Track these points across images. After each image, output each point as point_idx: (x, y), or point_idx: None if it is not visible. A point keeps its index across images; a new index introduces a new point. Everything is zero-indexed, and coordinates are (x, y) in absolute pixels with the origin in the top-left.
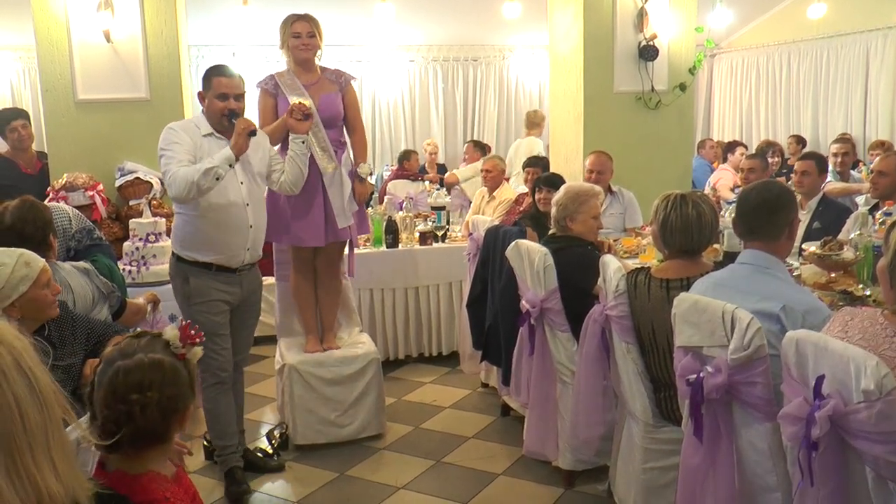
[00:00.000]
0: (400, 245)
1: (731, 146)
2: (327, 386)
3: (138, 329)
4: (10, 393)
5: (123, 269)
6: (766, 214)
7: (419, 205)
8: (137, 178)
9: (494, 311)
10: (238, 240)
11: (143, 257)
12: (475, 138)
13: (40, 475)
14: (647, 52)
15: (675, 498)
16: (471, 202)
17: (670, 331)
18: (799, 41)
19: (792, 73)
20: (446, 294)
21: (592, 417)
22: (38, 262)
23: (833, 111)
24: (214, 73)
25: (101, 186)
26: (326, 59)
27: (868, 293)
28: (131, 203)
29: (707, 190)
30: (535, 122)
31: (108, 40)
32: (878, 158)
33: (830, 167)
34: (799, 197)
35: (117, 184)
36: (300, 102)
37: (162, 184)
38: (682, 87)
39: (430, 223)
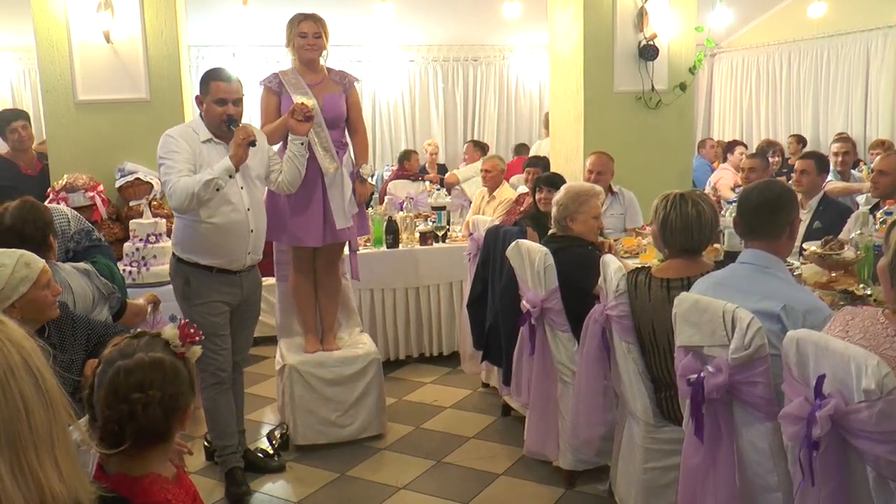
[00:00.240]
0: (400, 245)
1: (730, 146)
2: (328, 386)
3: (139, 330)
4: (18, 391)
5: (124, 270)
6: (767, 214)
7: (419, 205)
8: (138, 179)
9: (495, 312)
10: (239, 245)
11: (143, 258)
12: (475, 138)
13: (44, 474)
14: (648, 52)
15: (676, 498)
16: (471, 202)
17: (671, 330)
18: (799, 40)
19: (792, 73)
20: (447, 294)
21: (593, 417)
22: (38, 262)
23: (833, 110)
24: (212, 78)
25: (101, 187)
26: (327, 59)
27: (869, 293)
28: (131, 204)
29: (707, 189)
30: None
31: (108, 41)
32: (878, 158)
33: (831, 167)
34: (799, 196)
35: (117, 184)
36: (302, 103)
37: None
38: (683, 86)
39: (430, 223)
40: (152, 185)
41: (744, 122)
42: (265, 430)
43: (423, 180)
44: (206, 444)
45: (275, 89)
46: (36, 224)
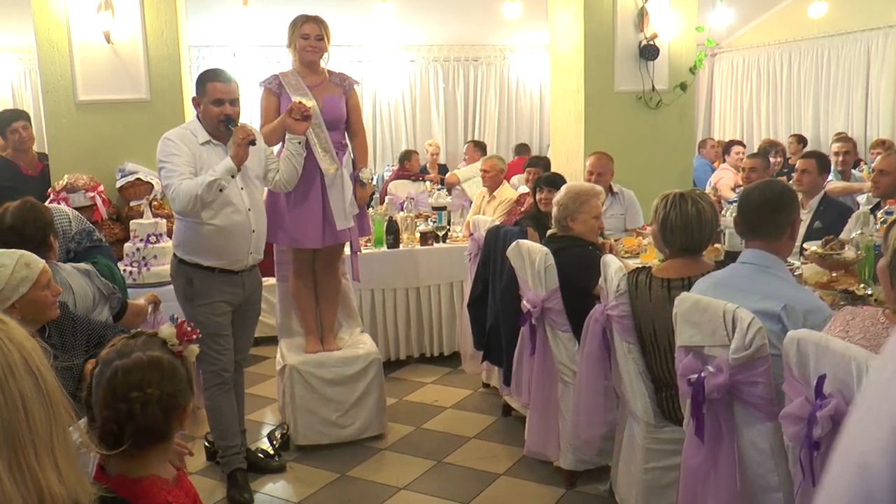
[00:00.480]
0: (401, 245)
1: (728, 146)
2: (328, 386)
3: (137, 330)
4: (17, 390)
5: (124, 270)
6: (768, 213)
7: (420, 205)
8: (138, 179)
9: (495, 312)
10: (241, 245)
11: (143, 258)
12: (476, 138)
13: (42, 474)
14: (648, 52)
15: (677, 498)
16: (472, 202)
17: (671, 330)
18: (800, 40)
19: (793, 73)
20: (447, 294)
21: (594, 417)
22: (38, 263)
23: (834, 110)
24: (209, 79)
25: (101, 187)
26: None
27: (869, 292)
28: (132, 204)
29: (708, 189)
30: None
31: (109, 41)
32: (879, 157)
33: (832, 166)
34: (800, 196)
35: (118, 185)
36: (300, 102)
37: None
38: (683, 86)
39: (430, 223)
40: (153, 186)
41: (744, 121)
42: (266, 430)
43: (424, 180)
44: (206, 444)
45: (274, 90)
46: (36, 224)
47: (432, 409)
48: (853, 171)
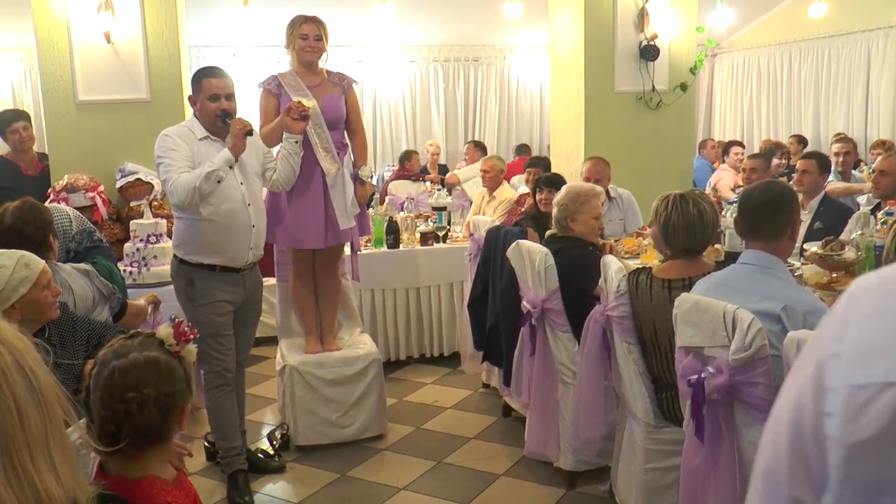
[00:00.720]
0: (401, 245)
1: (727, 147)
2: (328, 387)
3: (136, 330)
4: (10, 393)
5: (124, 271)
6: (768, 214)
7: (420, 205)
8: (138, 180)
9: (495, 312)
10: (242, 241)
11: (143, 258)
12: (476, 138)
13: (39, 477)
14: (648, 52)
15: (677, 499)
16: (472, 202)
17: (672, 331)
18: (800, 41)
19: (793, 73)
20: (447, 295)
21: (594, 418)
22: (38, 263)
23: (834, 111)
24: (204, 75)
25: (101, 188)
26: (327, 60)
27: None
28: (132, 204)
29: (708, 190)
30: None
31: (109, 41)
32: (879, 158)
33: (832, 167)
34: (800, 196)
35: (118, 185)
36: (299, 102)
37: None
38: (683, 86)
39: (431, 224)
40: (153, 186)
41: (744, 122)
42: (266, 430)
43: (424, 181)
44: (206, 444)
45: (274, 91)
46: (36, 224)
47: (432, 410)
48: (853, 171)
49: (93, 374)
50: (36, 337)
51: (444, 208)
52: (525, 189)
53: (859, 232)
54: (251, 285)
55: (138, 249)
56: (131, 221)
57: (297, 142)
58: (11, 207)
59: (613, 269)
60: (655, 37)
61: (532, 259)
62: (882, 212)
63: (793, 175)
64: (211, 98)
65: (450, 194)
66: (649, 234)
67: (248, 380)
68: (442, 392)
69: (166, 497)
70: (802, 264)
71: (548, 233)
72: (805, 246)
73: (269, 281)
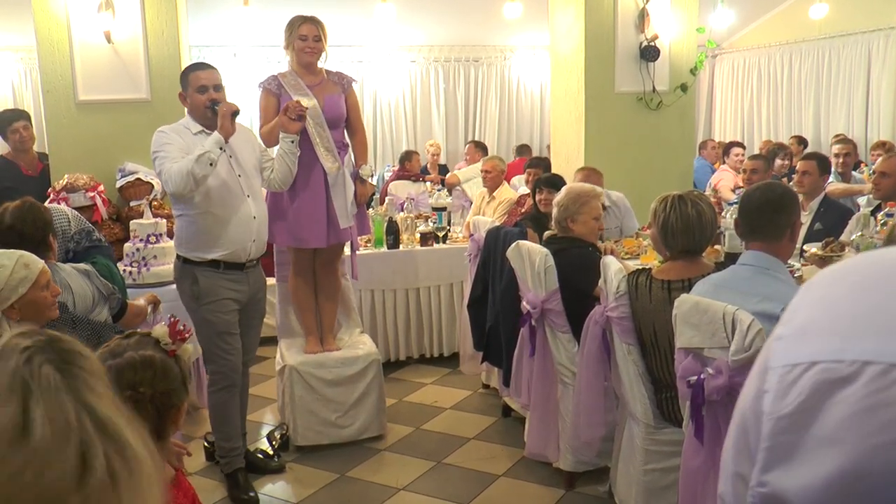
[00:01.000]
0: (401, 246)
1: (727, 147)
2: (328, 387)
3: (132, 330)
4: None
5: (124, 270)
6: (768, 214)
7: (420, 205)
8: (138, 179)
9: (495, 312)
10: (243, 232)
11: (143, 258)
12: (476, 139)
13: None
14: (649, 53)
15: (677, 499)
16: (472, 203)
17: (671, 332)
18: (801, 41)
19: (793, 74)
20: (447, 295)
21: (593, 418)
22: (38, 263)
23: (835, 112)
24: (190, 70)
25: (101, 187)
26: (327, 60)
27: None
28: (132, 204)
29: (708, 191)
30: None
31: (109, 41)
32: (880, 159)
33: (832, 168)
34: (800, 198)
35: (118, 185)
36: (297, 102)
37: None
38: (684, 87)
39: (431, 224)
40: (153, 186)
41: (745, 123)
42: (265, 430)
43: (424, 181)
44: (205, 444)
45: (273, 91)
46: (35, 224)
47: (432, 410)
48: (854, 172)
49: None
50: None
51: (444, 208)
52: (525, 189)
53: (859, 233)
54: (255, 283)
55: (138, 249)
56: (131, 221)
57: (293, 141)
58: (11, 207)
59: (613, 269)
60: (656, 37)
61: (532, 260)
62: (882, 213)
63: (793, 176)
64: (199, 90)
65: (450, 194)
66: (649, 235)
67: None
68: (441, 392)
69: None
70: (802, 265)
71: (546, 233)
72: (805, 247)
73: (269, 281)
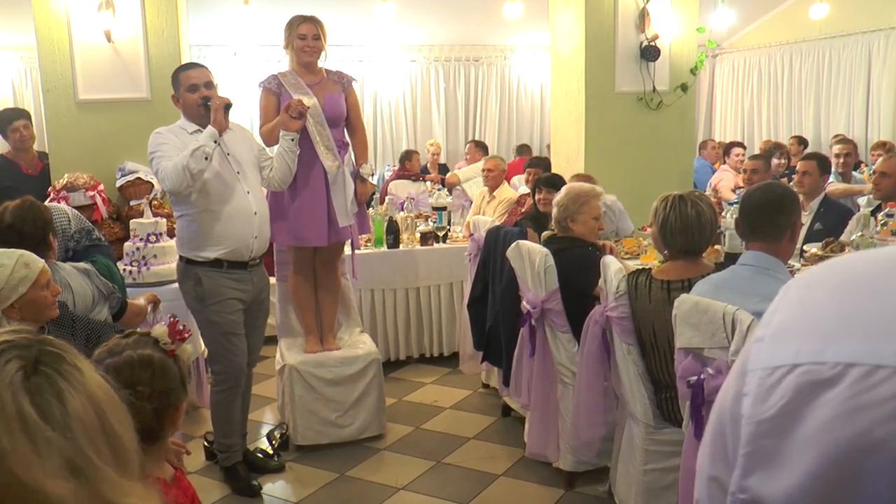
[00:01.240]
0: (401, 245)
1: (728, 147)
2: (328, 386)
3: (132, 329)
4: (89, 458)
5: (124, 270)
6: (769, 214)
7: (420, 205)
8: (138, 179)
9: (495, 312)
10: (245, 228)
11: (143, 257)
12: (476, 138)
13: None
14: (649, 53)
15: (677, 499)
16: (472, 202)
17: (671, 332)
18: (801, 42)
19: (794, 74)
20: (447, 294)
21: (593, 418)
22: (38, 262)
23: (835, 112)
24: (180, 70)
25: (101, 186)
26: (327, 59)
27: None
28: (132, 203)
29: (708, 191)
30: None
31: (109, 40)
32: (880, 159)
33: (833, 168)
34: (800, 198)
35: (118, 184)
36: (299, 100)
37: None
38: (684, 87)
39: (431, 223)
40: (153, 185)
41: (745, 123)
42: (265, 429)
43: (425, 180)
44: (205, 443)
45: (274, 90)
46: (35, 223)
47: (432, 410)
48: (854, 172)
49: None
50: None
51: (444, 208)
52: (525, 189)
53: (859, 233)
54: (259, 283)
55: (138, 248)
56: (131, 220)
57: (293, 139)
58: (11, 206)
59: (613, 269)
60: (656, 37)
61: (532, 259)
62: (882, 213)
63: (793, 176)
64: (190, 89)
65: (450, 194)
66: (649, 235)
67: None
68: (441, 392)
69: (164, 497)
70: (802, 265)
71: (545, 233)
72: (805, 247)
73: (270, 280)
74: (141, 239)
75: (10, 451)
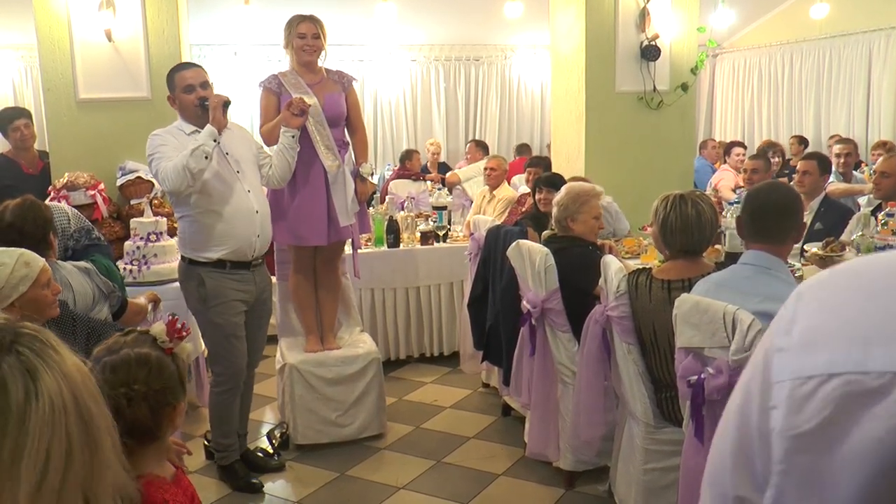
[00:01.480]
0: (401, 245)
1: (728, 147)
2: (328, 386)
3: (130, 328)
4: (65, 435)
5: (124, 269)
6: (775, 217)
7: (421, 204)
8: (139, 178)
9: (495, 312)
10: (247, 227)
11: (143, 256)
12: (477, 138)
13: None
14: (649, 52)
15: (677, 499)
16: (472, 202)
17: (671, 332)
18: (801, 41)
19: (794, 74)
20: (447, 294)
21: (593, 418)
22: (38, 261)
23: (835, 112)
24: (175, 71)
25: (102, 186)
26: (327, 58)
27: None
28: (132, 202)
29: (708, 190)
30: None
31: (110, 39)
32: (881, 159)
33: (833, 168)
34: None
35: (118, 183)
36: (301, 98)
37: None
38: (684, 87)
39: (431, 223)
40: (153, 184)
41: (745, 122)
42: (265, 429)
43: (425, 180)
44: (205, 442)
45: (274, 89)
46: (36, 222)
47: (432, 409)
48: (854, 172)
49: None
50: None
51: (444, 207)
52: (526, 189)
53: (860, 233)
54: (261, 283)
55: (138, 247)
56: (132, 219)
57: (293, 136)
58: (12, 205)
59: (613, 269)
60: (657, 37)
61: (532, 259)
62: (883, 213)
63: (792, 175)
64: (186, 90)
65: (450, 193)
66: (650, 234)
67: None
68: (441, 391)
69: (164, 495)
70: (803, 265)
71: (545, 233)
72: (805, 247)
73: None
74: (141, 238)
75: None
